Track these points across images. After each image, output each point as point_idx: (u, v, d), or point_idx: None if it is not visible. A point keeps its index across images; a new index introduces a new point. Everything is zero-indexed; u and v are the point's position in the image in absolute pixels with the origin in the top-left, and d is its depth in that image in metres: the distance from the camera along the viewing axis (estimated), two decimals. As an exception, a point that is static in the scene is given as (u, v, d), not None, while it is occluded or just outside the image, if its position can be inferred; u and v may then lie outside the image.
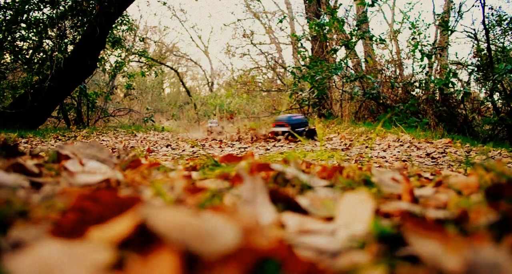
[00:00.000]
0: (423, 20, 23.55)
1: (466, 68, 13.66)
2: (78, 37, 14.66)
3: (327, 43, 16.09)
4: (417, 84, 13.03)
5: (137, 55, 21.77)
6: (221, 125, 14.05)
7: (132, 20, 17.73)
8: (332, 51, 14.71)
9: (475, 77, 13.66)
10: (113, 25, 14.65)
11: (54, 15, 14.76)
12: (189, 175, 1.34)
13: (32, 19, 14.83)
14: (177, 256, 0.37)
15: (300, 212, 0.83)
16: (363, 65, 16.69)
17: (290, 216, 0.75)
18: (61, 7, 14.76)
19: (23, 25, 14.93)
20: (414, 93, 13.13)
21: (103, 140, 9.23)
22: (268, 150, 6.30)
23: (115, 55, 18.07)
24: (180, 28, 59.93)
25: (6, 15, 14.66)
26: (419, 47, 12.87)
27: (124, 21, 16.51)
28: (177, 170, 1.49)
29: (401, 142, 7.01)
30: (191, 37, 43.70)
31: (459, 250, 0.55)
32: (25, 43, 15.35)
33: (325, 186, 1.10)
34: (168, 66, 27.69)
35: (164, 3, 21.15)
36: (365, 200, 0.74)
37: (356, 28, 14.01)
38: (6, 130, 9.69)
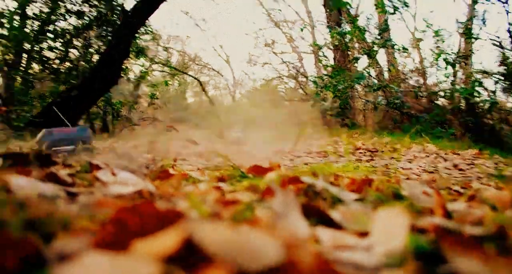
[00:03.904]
0: (445, 29, 23.24)
1: (492, 77, 13.41)
2: (103, 47, 14.98)
3: (349, 52, 16.03)
4: (441, 93, 12.85)
5: (160, 65, 22.10)
6: (244, 135, 14.07)
7: (155, 30, 18.04)
8: (354, 60, 14.66)
9: (501, 86, 13.39)
10: (137, 35, 14.90)
11: (79, 25, 15.15)
12: (218, 186, 1.35)
13: (59, 29, 15.24)
14: (227, 273, 0.38)
15: (332, 226, 0.82)
16: (386, 74, 16.55)
17: (324, 231, 0.75)
18: (86, 18, 15.15)
19: (50, 35, 15.36)
20: (439, 102, 12.95)
21: (128, 149, 9.35)
22: (292, 160, 6.29)
23: (139, 65, 18.38)
24: (202, 37, 60.63)
25: (34, 25, 15.10)
26: (443, 55, 12.71)
27: (148, 31, 16.78)
28: (206, 181, 1.50)
29: (426, 152, 6.90)
30: (212, 47, 44.09)
31: (501, 268, 0.54)
32: (52, 53, 15.78)
33: (355, 199, 1.10)
34: (190, 75, 27.94)
35: (187, 13, 21.48)
36: (400, 214, 0.73)
37: (378, 37, 13.94)
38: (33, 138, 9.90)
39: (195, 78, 28.90)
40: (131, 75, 18.45)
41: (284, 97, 22.99)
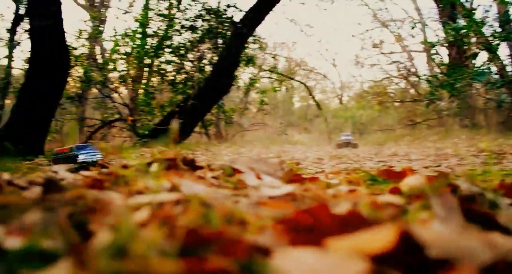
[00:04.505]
0: None
1: None
2: (215, 57, 15.77)
3: (465, 48, 14.95)
4: None
5: (268, 72, 22.62)
6: (354, 139, 13.85)
7: (263, 38, 18.51)
8: (472, 57, 13.65)
9: None
10: (246, 45, 15.44)
11: (193, 39, 16.13)
12: (354, 189, 1.36)
13: (175, 44, 16.38)
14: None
15: (499, 231, 0.79)
16: (509, 69, 15.14)
17: (496, 236, 0.73)
18: (199, 31, 16.08)
19: (167, 50, 16.58)
20: None
21: (242, 153, 9.71)
22: (410, 162, 6.05)
23: (248, 73, 19.02)
24: (307, 42, 60.79)
25: (153, 42, 16.41)
26: None
27: (256, 40, 17.28)
28: (339, 185, 1.52)
29: None
30: (318, 51, 44.06)
31: None
32: (169, 66, 17.00)
33: (510, 204, 1.04)
34: (297, 80, 28.18)
35: (292, 20, 21.74)
36: None
37: (499, 29, 12.82)
38: (157, 144, 10.72)
39: (302, 83, 29.10)
40: (241, 83, 19.16)
41: (394, 98, 22.13)
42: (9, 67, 17.69)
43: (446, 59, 16.20)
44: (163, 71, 17.01)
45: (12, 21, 17.66)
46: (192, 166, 1.62)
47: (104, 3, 22.42)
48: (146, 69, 17.26)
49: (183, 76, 16.37)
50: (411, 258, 0.44)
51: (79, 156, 6.85)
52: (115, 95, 16.73)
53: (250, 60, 17.12)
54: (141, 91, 17.98)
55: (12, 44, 17.72)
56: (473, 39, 14.84)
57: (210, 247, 0.48)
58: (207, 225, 0.60)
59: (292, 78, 26.24)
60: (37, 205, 0.85)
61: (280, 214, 0.75)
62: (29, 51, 9.43)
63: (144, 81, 18.12)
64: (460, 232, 0.48)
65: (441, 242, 0.43)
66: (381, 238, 0.46)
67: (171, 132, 1.52)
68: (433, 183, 1.15)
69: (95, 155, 6.99)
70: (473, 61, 14.11)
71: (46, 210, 0.76)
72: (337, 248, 0.50)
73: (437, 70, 17.39)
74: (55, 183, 1.04)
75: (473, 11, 12.96)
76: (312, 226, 0.66)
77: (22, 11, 17.60)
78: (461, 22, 13.93)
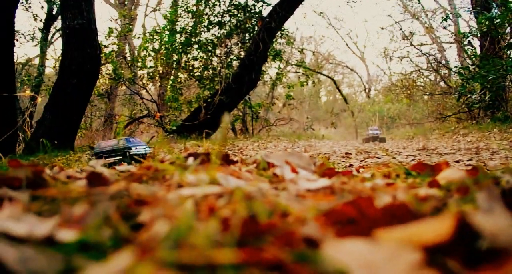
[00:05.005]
0: None
1: None
2: (242, 53, 15.79)
3: (500, 39, 14.50)
4: None
5: (295, 66, 22.52)
6: (381, 133, 13.66)
7: (291, 33, 18.44)
8: (507, 47, 13.24)
9: None
10: (274, 39, 15.40)
11: (221, 35, 16.19)
12: (392, 183, 1.35)
13: (203, 40, 16.48)
14: None
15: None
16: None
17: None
18: (227, 27, 16.13)
19: (195, 46, 16.70)
20: None
21: (269, 148, 9.71)
22: (441, 157, 5.94)
23: (275, 68, 18.97)
24: (335, 36, 60.27)
25: (182, 38, 16.55)
26: None
27: (283, 35, 17.22)
28: (375, 178, 1.51)
29: None
30: (346, 44, 43.59)
31: None
32: (196, 62, 17.13)
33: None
34: (324, 74, 28.01)
35: (321, 13, 21.57)
36: None
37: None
38: (186, 139, 10.84)
39: (329, 77, 28.91)
40: (267, 78, 19.14)
41: (424, 91, 21.68)
42: (42, 66, 18.20)
43: (478, 51, 15.78)
44: (191, 67, 17.16)
45: (44, 21, 18.16)
46: (226, 160, 1.64)
47: (134, 1, 22.75)
48: (174, 65, 17.43)
49: (211, 72, 16.47)
50: (468, 247, 0.44)
51: (132, 149, 6.84)
52: (143, 91, 16.97)
53: (278, 55, 17.08)
54: (168, 87, 18.19)
55: (45, 44, 18.22)
56: (508, 30, 14.40)
57: (264, 238, 0.49)
58: (255, 217, 0.61)
59: (319, 72, 26.08)
60: (84, 198, 0.88)
61: (323, 206, 0.76)
62: (61, 50, 9.67)
63: (171, 77, 18.33)
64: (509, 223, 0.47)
65: (500, 230, 0.43)
66: (435, 228, 0.46)
67: (223, 126, 1.53)
68: (475, 175, 1.13)
69: (145, 148, 7.02)
70: (508, 52, 13.70)
71: (93, 203, 0.78)
72: (388, 239, 0.50)
73: (468, 62, 16.97)
74: (99, 177, 1.07)
75: (510, 0, 12.55)
76: (356, 218, 0.66)
77: (55, 11, 18.07)
78: (496, 11, 13.53)
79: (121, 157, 6.65)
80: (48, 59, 19.55)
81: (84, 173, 1.32)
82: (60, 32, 11.00)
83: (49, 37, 18.99)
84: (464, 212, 0.46)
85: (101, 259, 0.46)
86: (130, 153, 6.69)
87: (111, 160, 6.36)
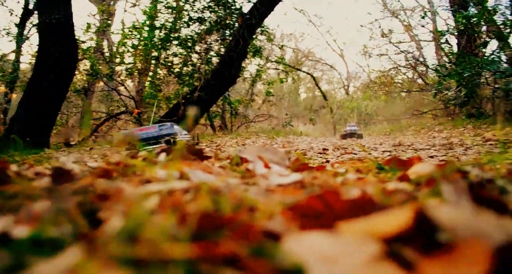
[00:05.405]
0: None
1: None
2: (222, 49, 15.71)
3: (476, 37, 14.76)
4: None
5: (275, 63, 22.52)
6: (359, 129, 13.79)
7: (271, 30, 18.41)
8: (482, 46, 13.50)
9: None
10: (254, 36, 15.35)
11: (201, 31, 16.06)
12: (361, 177, 1.36)
13: (183, 36, 16.33)
14: (488, 255, 0.38)
15: (508, 216, 0.79)
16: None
17: (507, 220, 0.72)
18: (207, 23, 16.00)
19: (174, 42, 16.53)
20: None
21: (248, 144, 9.70)
22: (416, 153, 6.01)
23: (255, 64, 18.94)
24: (315, 33, 60.49)
25: (161, 34, 16.37)
26: None
27: (264, 31, 17.18)
28: (348, 173, 1.51)
29: None
30: (326, 42, 43.81)
31: None
32: (176, 58, 16.97)
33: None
34: (304, 71, 28.09)
35: (301, 11, 21.57)
36: None
37: (511, 17, 12.66)
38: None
39: (308, 74, 28.99)
40: (247, 74, 19.10)
41: (401, 88, 21.97)
42: (17, 61, 17.78)
43: (455, 49, 16.04)
44: (170, 64, 16.99)
45: (21, 16, 17.74)
46: (199, 155, 1.62)
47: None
48: (153, 61, 17.24)
49: (190, 68, 16.34)
50: (425, 239, 0.44)
51: (178, 135, 6.44)
52: (122, 88, 16.75)
53: (257, 52, 17.04)
54: (147, 83, 18.00)
55: (20, 39, 17.79)
56: (484, 28, 14.67)
57: (222, 232, 0.48)
58: (217, 212, 0.60)
59: (299, 69, 26.14)
60: (46, 194, 0.85)
61: (290, 200, 0.75)
62: (37, 45, 9.45)
63: (150, 73, 18.13)
64: (472, 215, 0.47)
65: (456, 223, 0.43)
66: (395, 220, 0.45)
67: (188, 119, 1.52)
68: (443, 169, 1.14)
69: (187, 135, 6.63)
70: (483, 50, 13.95)
71: (55, 199, 0.76)
72: (349, 231, 0.49)
73: (445, 59, 17.24)
74: (64, 173, 1.04)
75: (486, -1, 12.81)
76: (322, 212, 0.65)
77: (31, 5, 17.66)
78: (473, 10, 13.76)
79: (165, 145, 6.14)
80: (23, 55, 19.12)
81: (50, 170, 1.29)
82: (37, 27, 10.75)
83: (25, 32, 18.54)
84: (423, 205, 0.45)
85: (51, 256, 0.44)
86: (177, 139, 6.28)
87: (156, 148, 5.78)
